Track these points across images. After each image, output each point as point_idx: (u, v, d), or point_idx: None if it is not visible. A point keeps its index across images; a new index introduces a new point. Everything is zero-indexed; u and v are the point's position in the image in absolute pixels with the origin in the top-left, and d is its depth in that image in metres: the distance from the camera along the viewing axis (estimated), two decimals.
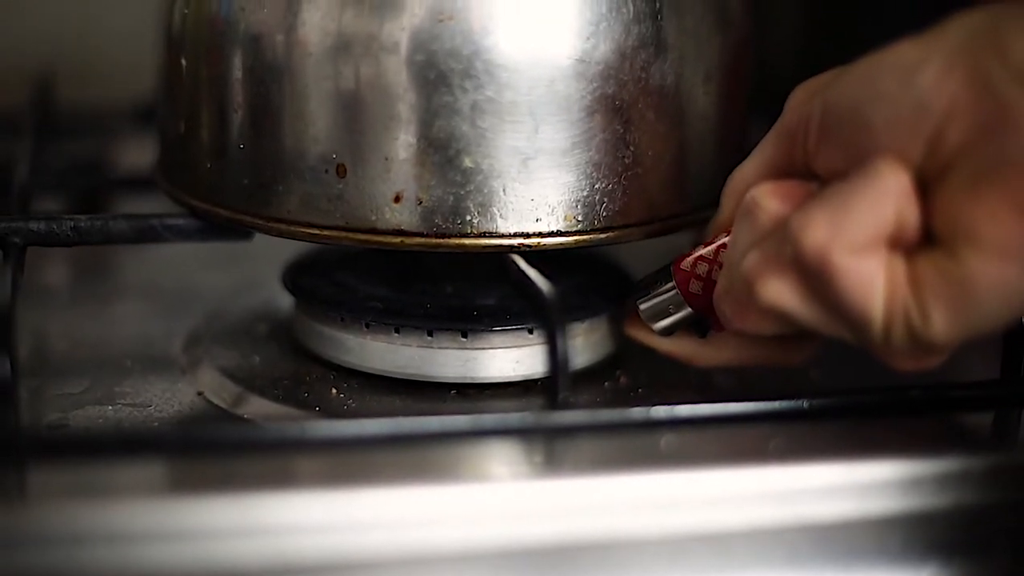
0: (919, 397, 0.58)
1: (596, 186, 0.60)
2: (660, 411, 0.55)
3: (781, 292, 0.53)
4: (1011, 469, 0.56)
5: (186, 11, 0.63)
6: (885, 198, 0.51)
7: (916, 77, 0.51)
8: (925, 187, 0.51)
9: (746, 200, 0.56)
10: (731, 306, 0.56)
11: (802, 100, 0.55)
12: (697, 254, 0.60)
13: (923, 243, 0.51)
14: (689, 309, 0.60)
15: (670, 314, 0.61)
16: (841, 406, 0.57)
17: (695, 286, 0.60)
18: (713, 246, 0.60)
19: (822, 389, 0.58)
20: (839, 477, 0.54)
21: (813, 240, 0.51)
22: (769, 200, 0.55)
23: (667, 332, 0.62)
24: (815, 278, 0.52)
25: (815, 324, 0.53)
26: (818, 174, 0.54)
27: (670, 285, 0.61)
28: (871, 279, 0.51)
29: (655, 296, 0.61)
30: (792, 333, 0.56)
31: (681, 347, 0.62)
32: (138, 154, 0.83)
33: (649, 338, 0.62)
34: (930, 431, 0.58)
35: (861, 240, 0.51)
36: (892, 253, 0.51)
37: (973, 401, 0.59)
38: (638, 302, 0.62)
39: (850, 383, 0.60)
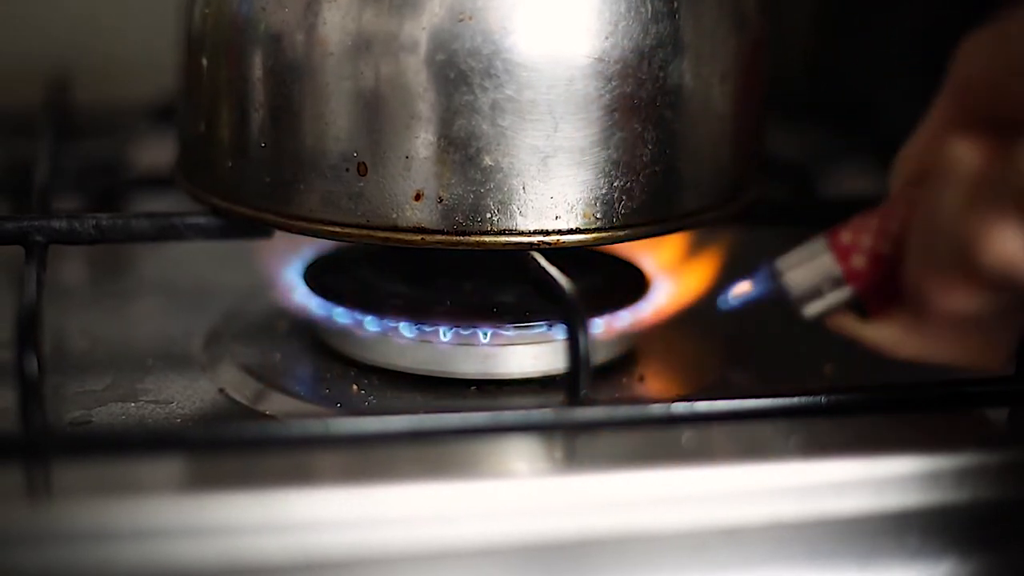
0: (935, 393, 0.58)
1: (615, 184, 0.61)
2: (680, 407, 0.56)
3: (1013, 243, 0.49)
4: None
5: (207, 11, 0.63)
6: None
7: None
8: None
9: (941, 160, 0.51)
10: (936, 279, 0.51)
11: (977, 50, 0.52)
12: (857, 227, 0.55)
13: None
14: (847, 289, 0.55)
15: (823, 295, 0.56)
16: (859, 402, 0.57)
17: (858, 260, 0.55)
18: (875, 219, 0.55)
19: (840, 385, 0.58)
20: (857, 472, 0.54)
21: None
22: (969, 152, 0.50)
23: (818, 316, 0.56)
24: None
25: None
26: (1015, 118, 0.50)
27: (825, 262, 0.55)
28: None
29: (806, 276, 0.56)
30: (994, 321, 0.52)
31: (886, 336, 0.55)
32: (156, 153, 0.84)
33: (851, 327, 0.56)
34: (947, 427, 0.59)
35: None
36: None
37: (989, 397, 0.60)
38: (785, 282, 0.57)
39: (866, 380, 0.60)
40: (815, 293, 0.56)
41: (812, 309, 0.56)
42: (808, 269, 0.56)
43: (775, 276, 0.57)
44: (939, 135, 0.53)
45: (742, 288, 0.58)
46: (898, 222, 0.54)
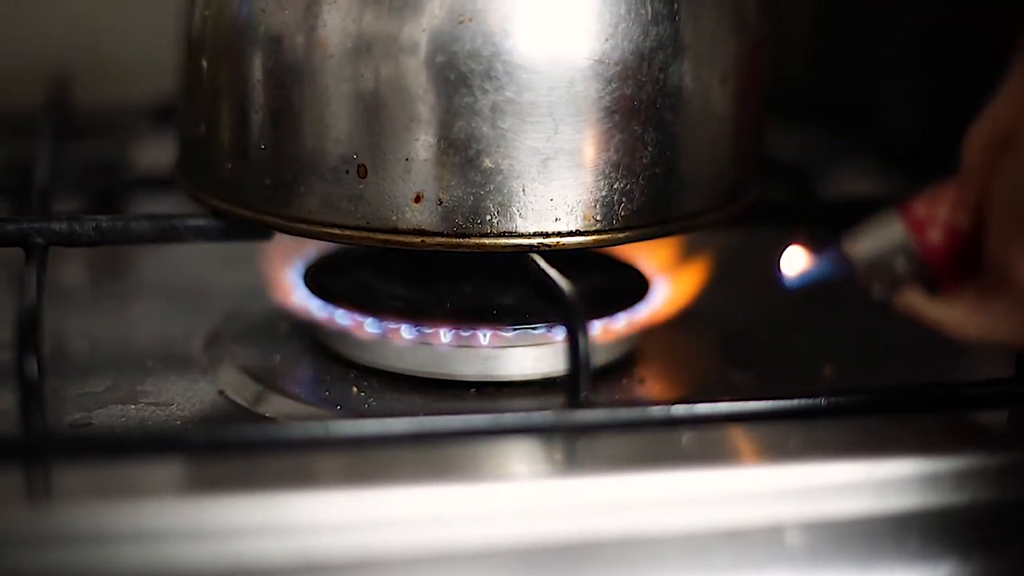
0: (935, 395, 0.58)
1: (614, 186, 0.61)
2: (680, 409, 0.56)
3: None
4: None
5: (207, 13, 0.63)
6: None
7: None
8: None
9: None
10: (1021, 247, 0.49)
11: None
12: (932, 199, 0.53)
13: None
14: (918, 264, 0.53)
15: (896, 272, 0.53)
16: (859, 403, 0.57)
17: (934, 234, 0.52)
18: (951, 190, 0.53)
19: (840, 386, 0.58)
20: (857, 474, 0.54)
21: None
22: None
23: (887, 293, 0.54)
24: None
25: None
26: None
27: (898, 236, 0.53)
28: None
29: (877, 251, 0.54)
30: None
31: (953, 315, 0.53)
32: (156, 154, 0.84)
33: (919, 305, 0.54)
34: (947, 428, 0.58)
35: None
36: None
37: (988, 399, 0.60)
38: (855, 258, 0.55)
39: (867, 381, 0.60)
40: (886, 269, 0.54)
41: (881, 286, 0.54)
42: (880, 244, 0.54)
43: (844, 251, 0.55)
44: (1008, 109, 0.52)
45: (804, 260, 0.56)
46: (975, 193, 0.52)
